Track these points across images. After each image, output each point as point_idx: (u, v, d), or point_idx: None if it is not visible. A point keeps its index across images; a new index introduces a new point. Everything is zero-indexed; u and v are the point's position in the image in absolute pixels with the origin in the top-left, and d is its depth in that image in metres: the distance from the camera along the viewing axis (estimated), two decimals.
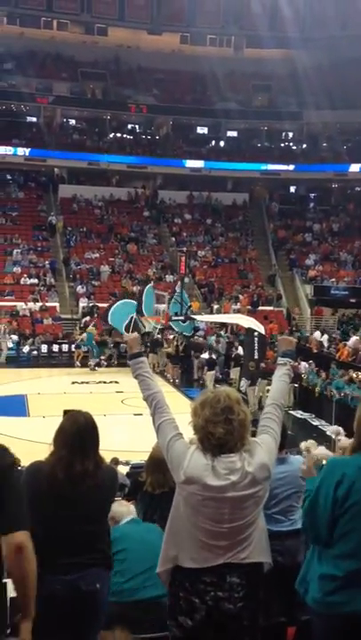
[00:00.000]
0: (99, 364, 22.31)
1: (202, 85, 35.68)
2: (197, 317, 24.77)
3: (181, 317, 25.07)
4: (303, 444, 5.27)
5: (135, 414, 13.39)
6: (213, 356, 20.71)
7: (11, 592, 2.89)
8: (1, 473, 2.17)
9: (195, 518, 2.48)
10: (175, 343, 22.14)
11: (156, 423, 2.68)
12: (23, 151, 32.52)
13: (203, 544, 2.47)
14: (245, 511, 2.48)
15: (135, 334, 2.99)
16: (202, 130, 37.81)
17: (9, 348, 23.21)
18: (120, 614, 3.05)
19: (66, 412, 3.24)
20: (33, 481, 2.73)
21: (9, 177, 33.93)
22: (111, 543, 2.97)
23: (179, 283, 24.46)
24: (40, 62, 34.95)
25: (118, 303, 22.53)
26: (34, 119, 35.35)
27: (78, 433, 2.78)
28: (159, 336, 23.19)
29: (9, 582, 2.89)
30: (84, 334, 22.99)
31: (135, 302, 22.58)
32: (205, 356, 20.66)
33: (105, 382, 19.94)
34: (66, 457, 2.72)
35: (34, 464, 2.85)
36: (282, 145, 38.21)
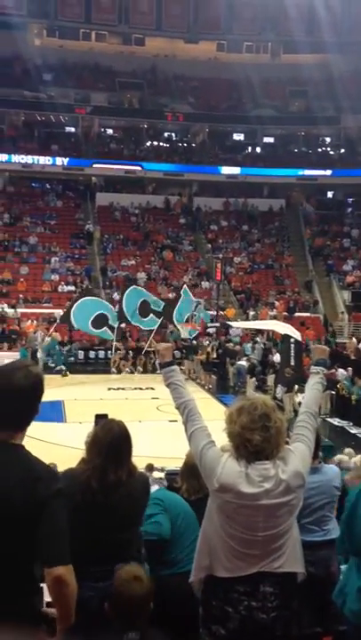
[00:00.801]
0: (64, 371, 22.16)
1: (238, 92, 35.70)
2: (233, 324, 24.72)
3: (217, 324, 25.09)
4: (337, 457, 5.21)
5: (170, 421, 13.38)
6: (254, 362, 20.64)
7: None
8: (46, 502, 2.11)
9: (228, 526, 2.47)
10: (209, 350, 22.11)
11: (188, 431, 2.68)
12: (62, 161, 33.07)
13: (236, 553, 2.46)
14: (279, 519, 2.47)
15: (168, 344, 3.00)
16: (238, 136, 37.82)
17: (47, 355, 23.46)
18: (178, 585, 2.98)
19: (97, 416, 3.28)
20: (67, 489, 2.77)
21: (48, 186, 34.54)
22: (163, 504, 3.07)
23: (185, 287, 23.95)
24: (78, 73, 35.54)
25: (78, 302, 21.37)
26: (72, 129, 35.93)
27: (112, 442, 2.79)
28: (194, 342, 23.20)
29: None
30: (48, 339, 22.88)
31: (98, 298, 22.23)
32: (243, 362, 20.57)
33: (141, 389, 20.02)
34: (100, 466, 2.74)
35: (68, 472, 2.88)
36: (319, 150, 37.94)
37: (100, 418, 3.30)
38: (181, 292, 23.10)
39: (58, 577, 2.11)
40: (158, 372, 22.93)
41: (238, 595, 2.44)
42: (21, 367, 2.20)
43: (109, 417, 3.31)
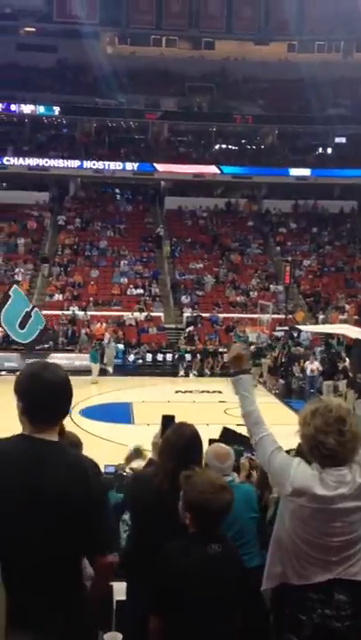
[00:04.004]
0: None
1: (308, 93, 35.14)
2: (302, 328, 24.32)
3: (285, 328, 24.76)
4: None
5: (238, 424, 13.31)
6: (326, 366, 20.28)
7: (122, 596, 3.00)
8: (97, 498, 2.17)
9: (302, 531, 2.42)
10: (275, 354, 21.84)
11: (254, 438, 2.66)
12: (131, 165, 33.57)
13: (310, 559, 2.41)
14: (355, 525, 2.40)
15: (239, 351, 2.95)
16: (308, 137, 37.23)
17: (115, 357, 23.86)
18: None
19: (165, 417, 3.27)
20: (140, 493, 2.78)
21: (118, 191, 35.14)
22: None
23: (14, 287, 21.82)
24: (148, 79, 36.00)
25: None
26: (142, 135, 36.42)
27: (185, 446, 2.81)
28: (261, 346, 22.98)
29: (115, 585, 2.97)
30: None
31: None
32: (313, 366, 20.22)
33: (208, 392, 20.00)
34: (172, 470, 2.74)
35: (138, 475, 2.90)
36: None
37: (167, 418, 3.29)
38: (10, 292, 20.96)
39: (110, 564, 2.27)
40: (227, 375, 22.91)
41: (312, 602, 2.39)
42: (49, 366, 2.25)
43: (177, 419, 3.30)
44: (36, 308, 21.91)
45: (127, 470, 6.15)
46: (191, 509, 2.47)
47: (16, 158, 32.74)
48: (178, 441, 2.82)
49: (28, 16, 32.68)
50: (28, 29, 35.12)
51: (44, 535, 2.03)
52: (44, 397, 2.15)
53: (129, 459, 6.51)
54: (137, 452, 6.36)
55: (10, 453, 2.11)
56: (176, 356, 24.09)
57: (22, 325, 20.72)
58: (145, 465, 3.40)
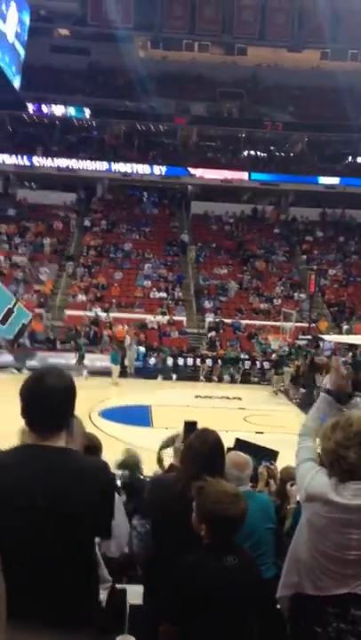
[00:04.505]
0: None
1: (340, 101, 34.92)
2: (325, 337, 24.08)
3: (308, 337, 24.54)
4: None
5: (257, 432, 13.20)
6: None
7: (136, 599, 2.98)
8: (107, 502, 2.14)
9: (319, 543, 2.40)
10: (298, 363, 21.63)
11: (298, 445, 2.71)
12: (159, 169, 33.66)
13: (327, 571, 2.39)
14: None
15: (345, 373, 2.93)
16: (338, 146, 36.96)
17: (136, 359, 23.88)
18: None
19: (187, 423, 3.23)
20: (160, 498, 2.75)
21: (145, 194, 35.26)
22: None
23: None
24: (179, 83, 36.10)
25: None
26: (171, 139, 36.51)
27: (208, 452, 2.79)
28: (284, 355, 22.80)
29: (129, 588, 2.94)
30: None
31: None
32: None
33: (228, 398, 19.91)
34: (195, 476, 2.71)
35: (160, 481, 2.87)
36: None
37: (190, 424, 3.25)
38: None
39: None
40: (246, 380, 22.74)
41: (328, 616, 2.37)
42: (53, 370, 2.23)
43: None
44: (19, 303, 22.23)
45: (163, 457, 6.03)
46: (206, 520, 2.42)
47: (45, 159, 33.07)
48: (201, 447, 2.80)
49: (62, 19, 33.00)
50: (62, 32, 35.46)
51: (55, 543, 2.00)
52: (42, 401, 2.12)
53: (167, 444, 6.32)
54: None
55: (15, 463, 2.08)
56: (198, 361, 24.02)
57: (4, 321, 20.94)
58: (166, 470, 3.36)
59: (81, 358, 22.46)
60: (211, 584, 2.38)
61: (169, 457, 4.05)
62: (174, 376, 23.16)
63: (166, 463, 3.94)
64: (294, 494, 3.94)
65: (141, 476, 6.37)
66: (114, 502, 2.14)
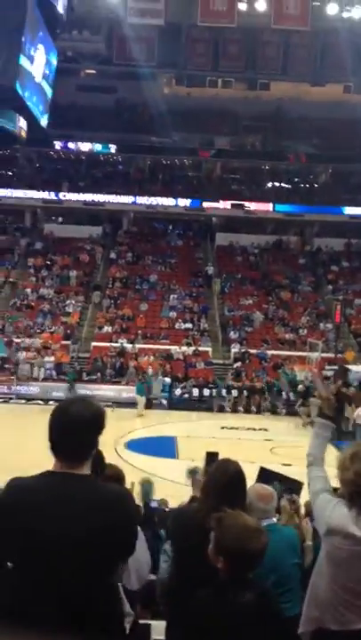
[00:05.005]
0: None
1: None
2: (353, 368, 23.80)
3: (335, 367, 24.28)
4: None
5: (283, 464, 13.03)
6: None
7: (160, 635, 2.94)
8: (128, 530, 2.16)
9: (339, 576, 2.36)
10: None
11: (308, 475, 2.70)
12: (184, 202, 34.08)
13: (349, 605, 2.35)
14: None
15: (329, 395, 2.97)
16: None
17: (161, 390, 23.85)
18: None
19: (208, 454, 3.24)
20: (182, 528, 2.73)
21: (170, 226, 35.67)
22: None
23: None
24: (203, 118, 36.71)
25: None
26: (195, 172, 37.01)
27: (229, 484, 2.77)
28: (310, 385, 22.54)
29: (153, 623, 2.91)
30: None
31: None
32: None
33: (254, 429, 19.71)
34: (215, 507, 2.67)
35: (179, 512, 2.86)
36: None
37: (211, 455, 3.26)
38: None
39: None
40: (269, 411, 22.50)
41: None
42: (79, 400, 2.26)
43: (221, 456, 3.26)
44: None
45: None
46: (224, 554, 2.33)
47: (72, 193, 33.75)
48: (221, 478, 2.78)
49: (89, 59, 33.94)
50: (88, 71, 36.49)
51: (76, 569, 2.00)
52: (66, 431, 2.15)
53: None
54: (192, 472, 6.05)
55: (39, 489, 2.10)
56: (215, 392, 23.92)
57: None
58: (188, 502, 3.33)
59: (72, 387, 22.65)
60: (225, 621, 2.28)
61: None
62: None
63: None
64: (310, 530, 3.87)
65: (166, 509, 6.34)
66: (136, 529, 2.14)
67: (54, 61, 14.87)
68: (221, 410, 23.05)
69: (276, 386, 24.29)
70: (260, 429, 19.35)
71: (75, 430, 2.15)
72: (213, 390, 24.13)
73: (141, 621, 3.43)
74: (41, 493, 2.08)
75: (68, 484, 2.09)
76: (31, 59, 12.30)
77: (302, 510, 4.62)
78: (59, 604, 1.99)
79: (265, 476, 4.63)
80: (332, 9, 26.09)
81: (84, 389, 22.61)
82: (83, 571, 2.02)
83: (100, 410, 2.24)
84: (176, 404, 23.41)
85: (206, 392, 24.25)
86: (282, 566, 3.24)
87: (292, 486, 4.71)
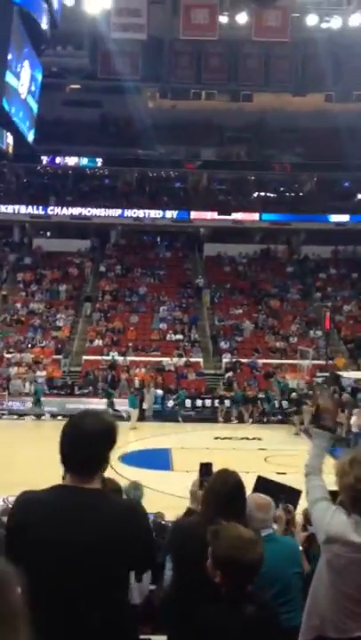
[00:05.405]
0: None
1: (346, 140, 35.46)
2: (344, 374, 23.90)
3: (326, 374, 24.38)
4: None
5: (278, 472, 13.02)
6: None
7: None
8: (144, 531, 2.19)
9: (339, 584, 2.37)
10: (317, 402, 21.39)
11: (306, 485, 2.70)
12: (171, 214, 34.21)
13: (349, 613, 2.35)
14: None
15: (331, 406, 2.98)
16: (347, 184, 37.40)
17: (154, 402, 23.79)
18: None
19: (202, 465, 3.24)
20: (181, 541, 2.73)
21: (158, 238, 35.76)
22: None
23: None
24: (188, 130, 36.95)
25: None
26: (182, 184, 37.19)
27: (229, 494, 2.76)
28: (303, 393, 22.62)
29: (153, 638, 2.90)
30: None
31: None
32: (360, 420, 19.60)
33: (248, 439, 19.70)
34: (215, 518, 2.68)
35: (178, 524, 2.85)
36: None
37: (205, 466, 3.26)
38: None
39: None
40: (264, 420, 22.52)
41: None
42: (91, 414, 2.27)
43: (216, 467, 3.26)
44: None
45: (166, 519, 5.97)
46: (221, 566, 2.29)
47: (59, 208, 33.78)
48: (221, 489, 2.77)
49: (73, 74, 34.09)
50: (73, 86, 36.66)
51: (87, 581, 2.02)
52: (78, 444, 2.15)
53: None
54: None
55: (50, 503, 2.11)
56: (216, 402, 23.88)
57: None
58: (184, 514, 3.32)
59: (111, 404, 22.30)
60: (227, 636, 2.26)
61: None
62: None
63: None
64: (302, 538, 3.87)
65: (162, 522, 6.31)
66: (151, 542, 2.15)
67: (39, 77, 14.91)
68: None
69: (268, 395, 24.31)
70: (254, 438, 19.34)
71: (86, 444, 2.16)
72: (207, 401, 24.13)
73: (142, 637, 3.42)
74: (52, 506, 2.09)
75: (79, 497, 2.10)
76: (17, 75, 12.33)
77: (299, 519, 4.63)
78: (71, 617, 2.00)
79: (263, 484, 4.64)
80: (311, 20, 26.41)
81: (75, 404, 22.49)
82: (96, 585, 2.03)
83: (112, 424, 2.25)
84: (168, 416, 23.35)
85: (199, 402, 24.23)
86: (283, 576, 3.22)
87: (290, 495, 4.72)
